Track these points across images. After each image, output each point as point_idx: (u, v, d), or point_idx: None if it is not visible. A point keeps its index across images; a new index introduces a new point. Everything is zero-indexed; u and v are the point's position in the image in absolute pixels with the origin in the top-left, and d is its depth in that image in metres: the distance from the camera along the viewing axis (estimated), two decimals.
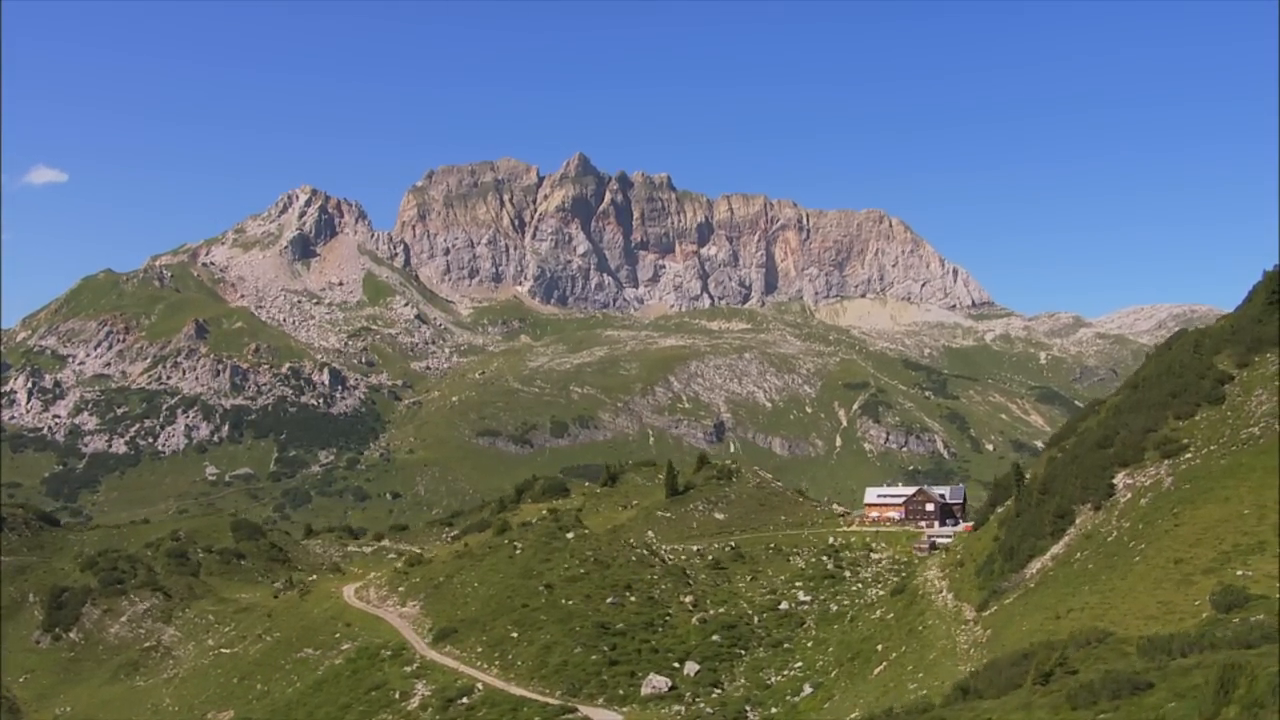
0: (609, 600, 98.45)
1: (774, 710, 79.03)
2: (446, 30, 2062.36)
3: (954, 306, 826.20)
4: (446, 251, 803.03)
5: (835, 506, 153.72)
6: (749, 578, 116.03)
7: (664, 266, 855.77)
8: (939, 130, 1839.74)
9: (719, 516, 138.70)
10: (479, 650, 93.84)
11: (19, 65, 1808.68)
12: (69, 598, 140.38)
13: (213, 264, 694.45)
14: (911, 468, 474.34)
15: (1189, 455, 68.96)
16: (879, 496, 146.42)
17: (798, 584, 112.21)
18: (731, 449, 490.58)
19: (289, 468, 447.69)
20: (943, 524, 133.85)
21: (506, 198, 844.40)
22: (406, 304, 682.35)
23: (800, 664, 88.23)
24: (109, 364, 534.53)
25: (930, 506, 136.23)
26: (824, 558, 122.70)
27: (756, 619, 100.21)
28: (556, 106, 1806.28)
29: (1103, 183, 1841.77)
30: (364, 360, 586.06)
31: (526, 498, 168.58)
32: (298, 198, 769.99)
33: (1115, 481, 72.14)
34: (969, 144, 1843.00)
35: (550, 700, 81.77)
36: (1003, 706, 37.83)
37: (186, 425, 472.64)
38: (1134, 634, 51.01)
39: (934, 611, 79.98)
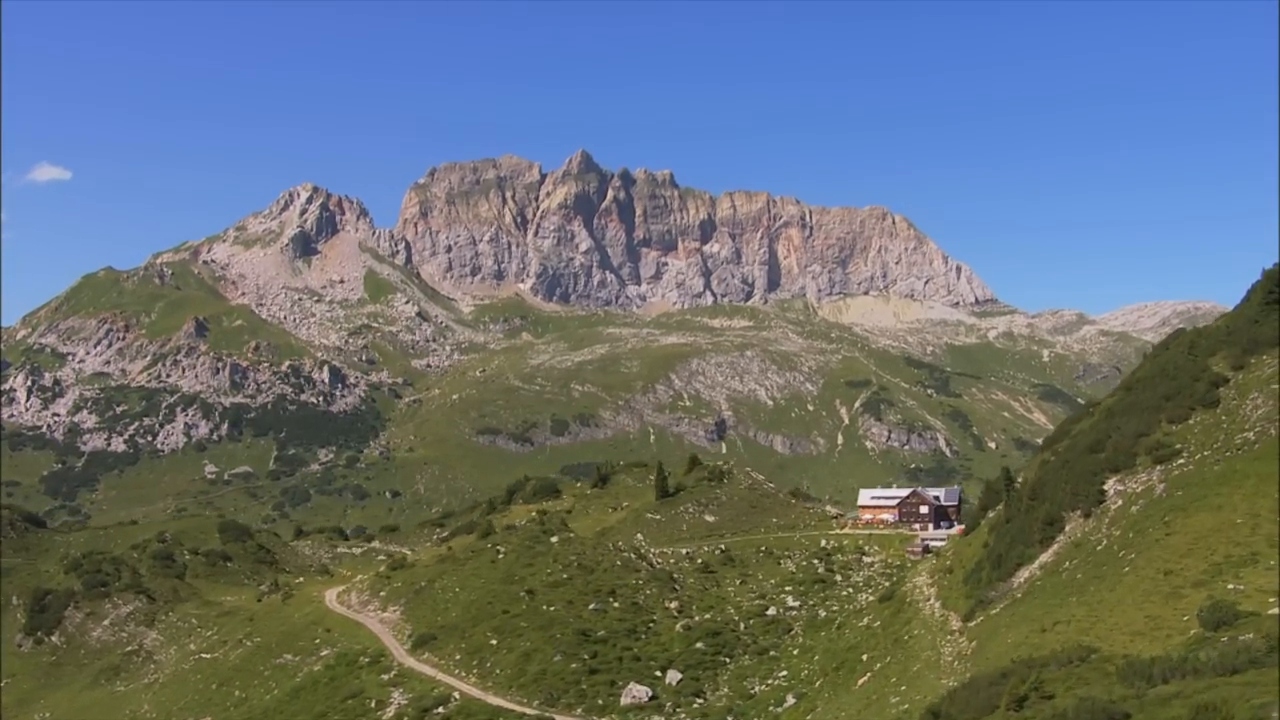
0: (591, 606, 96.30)
1: None
2: (449, 27, 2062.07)
3: (957, 304, 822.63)
4: (449, 249, 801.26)
5: (828, 508, 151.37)
6: (738, 582, 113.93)
7: (666, 264, 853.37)
8: (942, 127, 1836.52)
9: (709, 519, 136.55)
10: (457, 658, 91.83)
11: (23, 64, 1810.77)
12: (52, 600, 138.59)
13: (214, 261, 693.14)
14: (913, 466, 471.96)
15: (1182, 461, 66.73)
16: (873, 498, 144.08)
17: (787, 589, 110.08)
18: (729, 448, 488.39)
19: (288, 466, 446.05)
20: (937, 526, 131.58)
21: (509, 195, 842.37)
22: (407, 301, 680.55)
23: (785, 673, 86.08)
24: (109, 362, 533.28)
25: (924, 509, 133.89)
26: (815, 561, 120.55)
27: (743, 625, 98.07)
28: (559, 103, 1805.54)
29: (1107, 179, 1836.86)
30: (364, 358, 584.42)
31: (518, 499, 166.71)
32: (299, 195, 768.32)
33: (1106, 487, 69.94)
34: (972, 140, 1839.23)
35: (527, 710, 79.79)
36: None
37: (185, 424, 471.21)
38: (1119, 651, 48.91)
39: (920, 620, 77.83)
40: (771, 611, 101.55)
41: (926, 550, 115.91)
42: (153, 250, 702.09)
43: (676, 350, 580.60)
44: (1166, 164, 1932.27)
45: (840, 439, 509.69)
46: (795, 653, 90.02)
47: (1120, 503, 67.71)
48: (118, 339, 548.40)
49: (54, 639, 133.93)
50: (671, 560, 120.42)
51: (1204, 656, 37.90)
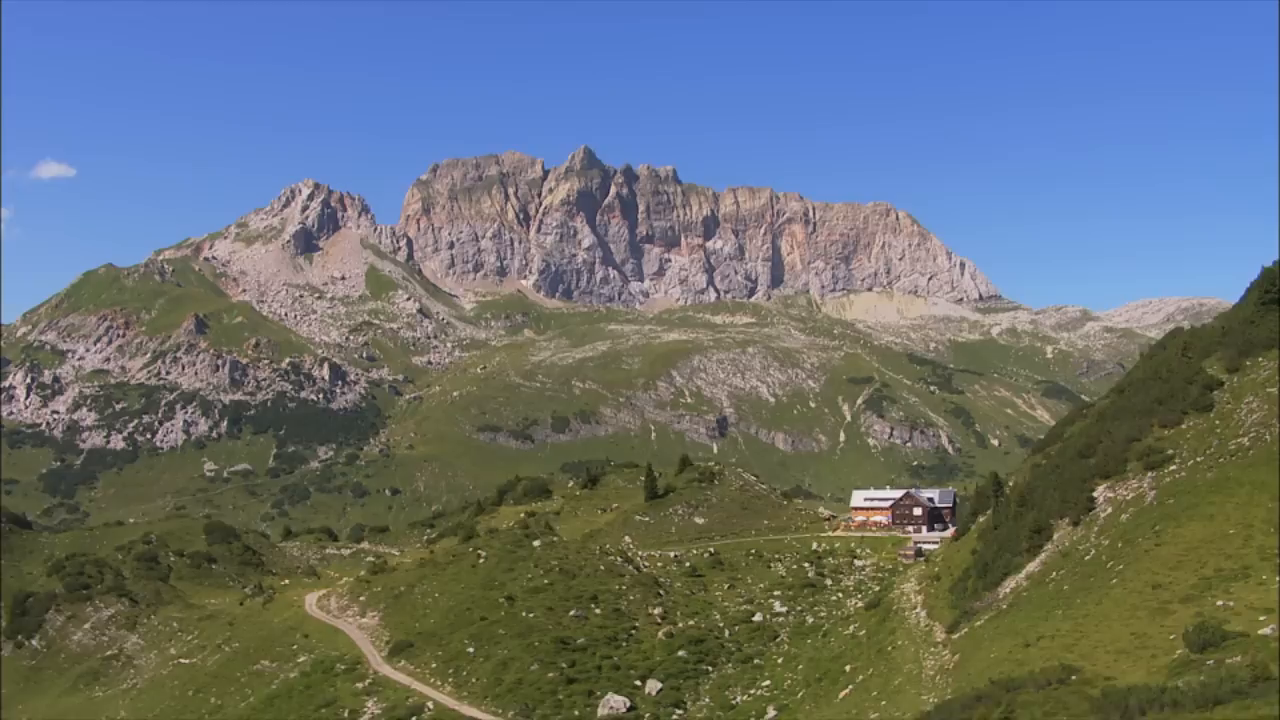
0: (572, 613, 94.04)
1: None
2: (451, 23, 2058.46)
3: (961, 300, 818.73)
4: (451, 245, 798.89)
5: (821, 509, 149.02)
6: (726, 586, 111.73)
7: (669, 260, 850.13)
8: (946, 122, 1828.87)
9: (699, 521, 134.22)
10: (433, 666, 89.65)
11: (27, 62, 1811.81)
12: (33, 603, 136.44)
13: (215, 258, 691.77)
14: (915, 463, 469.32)
15: (1173, 467, 64.29)
16: (866, 500, 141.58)
17: (776, 593, 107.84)
18: (730, 445, 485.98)
19: (288, 464, 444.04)
20: (931, 529, 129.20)
21: (511, 191, 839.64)
22: (409, 298, 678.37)
23: (768, 682, 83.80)
24: (108, 359, 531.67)
25: (918, 511, 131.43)
26: (806, 564, 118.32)
27: (728, 632, 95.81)
28: (561, 99, 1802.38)
29: (1113, 174, 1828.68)
30: (365, 355, 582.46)
31: (509, 499, 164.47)
32: (301, 192, 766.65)
33: (1096, 494, 67.55)
34: (977, 136, 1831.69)
35: None
36: None
37: (185, 421, 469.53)
38: (1101, 672, 46.58)
39: (905, 630, 75.50)
40: (758, 617, 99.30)
41: (919, 553, 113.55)
42: (155, 247, 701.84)
43: (678, 347, 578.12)
44: (1172, 159, 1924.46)
45: (842, 436, 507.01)
46: (780, 661, 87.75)
47: (1110, 510, 65.34)
48: (118, 336, 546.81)
49: (34, 643, 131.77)
50: (659, 564, 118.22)
51: (1185, 685, 35.56)
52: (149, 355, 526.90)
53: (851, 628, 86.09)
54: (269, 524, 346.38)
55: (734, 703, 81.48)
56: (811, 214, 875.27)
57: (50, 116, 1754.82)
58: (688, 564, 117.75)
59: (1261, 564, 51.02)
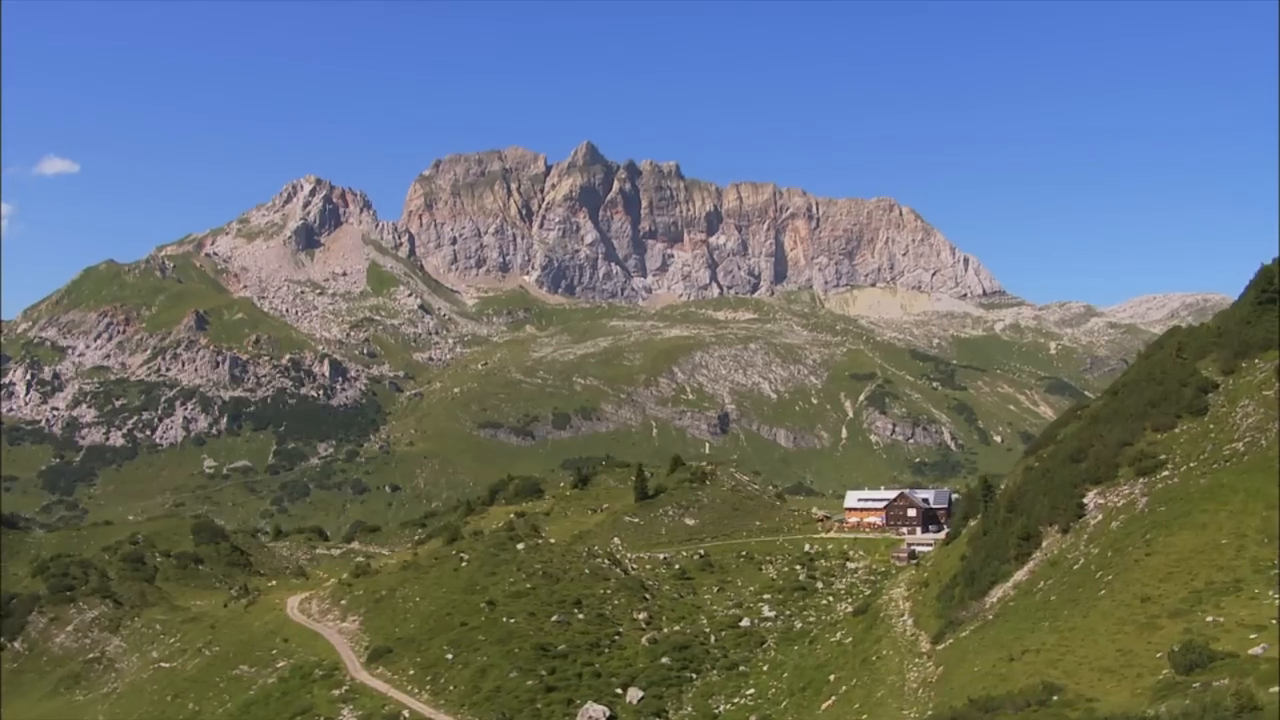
0: (554, 618, 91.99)
1: None
2: (453, 18, 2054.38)
3: (965, 296, 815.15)
4: (453, 241, 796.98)
5: (815, 510, 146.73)
6: (715, 589, 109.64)
7: (672, 256, 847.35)
8: (950, 117, 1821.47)
9: (690, 522, 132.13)
10: (411, 673, 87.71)
11: (30, 58, 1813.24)
12: (16, 605, 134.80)
13: (216, 254, 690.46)
14: (918, 460, 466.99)
15: (1166, 473, 62.08)
16: (860, 500, 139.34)
17: (765, 597, 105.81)
18: (732, 442, 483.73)
19: (287, 460, 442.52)
20: (925, 530, 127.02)
21: (514, 186, 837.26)
22: (410, 294, 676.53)
23: (752, 690, 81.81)
24: (108, 356, 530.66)
25: (912, 512, 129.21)
26: (797, 567, 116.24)
27: (714, 638, 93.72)
28: (564, 95, 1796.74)
29: (1117, 169, 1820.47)
30: (366, 351, 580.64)
31: (500, 499, 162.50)
32: (302, 187, 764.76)
33: (1086, 500, 65.40)
34: (981, 131, 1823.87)
35: None
36: None
37: (185, 417, 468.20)
38: (1084, 691, 44.48)
39: (891, 639, 73.42)
40: (745, 623, 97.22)
41: (912, 555, 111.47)
42: (157, 243, 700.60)
43: (680, 343, 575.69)
44: (1177, 153, 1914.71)
45: (844, 432, 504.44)
46: (765, 669, 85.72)
47: (1100, 517, 63.17)
48: (118, 332, 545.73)
49: (17, 645, 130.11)
50: (647, 566, 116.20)
51: (1167, 713, 33.44)
52: (149, 351, 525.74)
53: (838, 635, 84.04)
54: (268, 521, 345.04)
55: (717, 711, 79.53)
56: (815, 209, 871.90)
57: (54, 113, 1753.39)
58: (677, 566, 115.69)
59: (1254, 576, 48.89)
